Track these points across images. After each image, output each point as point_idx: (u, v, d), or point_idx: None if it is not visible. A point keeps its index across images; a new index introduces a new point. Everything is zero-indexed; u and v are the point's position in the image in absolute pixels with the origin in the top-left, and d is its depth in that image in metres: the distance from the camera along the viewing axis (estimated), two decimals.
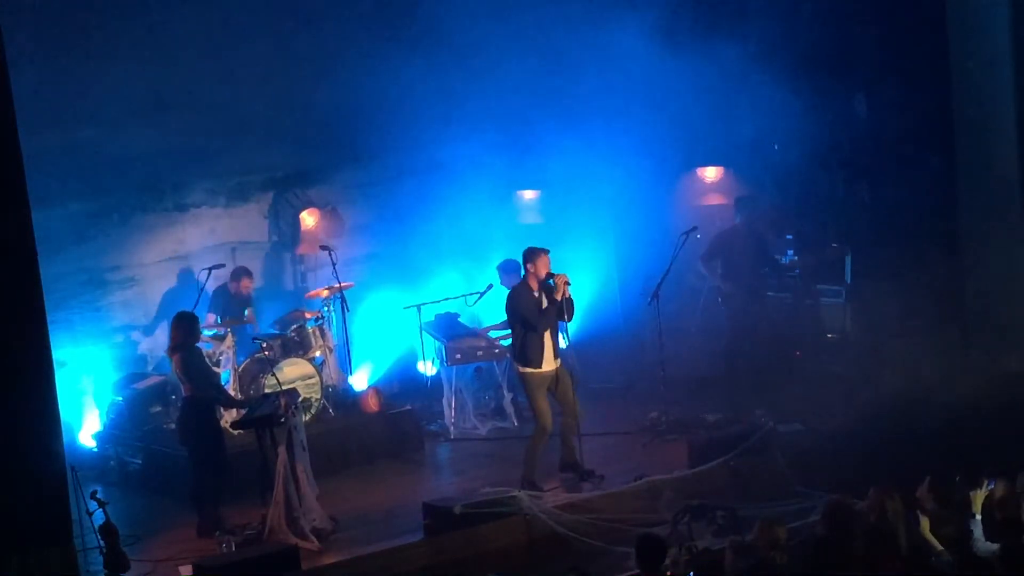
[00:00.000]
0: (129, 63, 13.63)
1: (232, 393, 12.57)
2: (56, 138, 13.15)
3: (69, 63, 13.28)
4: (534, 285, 11.77)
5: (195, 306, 12.80)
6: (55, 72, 13.10)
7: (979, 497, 8.85)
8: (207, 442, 11.41)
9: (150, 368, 14.14)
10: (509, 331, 12.56)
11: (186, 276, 14.42)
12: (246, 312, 13.74)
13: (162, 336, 14.21)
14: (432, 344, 14.24)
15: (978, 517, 8.79)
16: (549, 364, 11.71)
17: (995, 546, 8.43)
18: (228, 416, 12.76)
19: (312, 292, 14.42)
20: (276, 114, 14.52)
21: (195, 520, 11.40)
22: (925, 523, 8.54)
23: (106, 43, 13.54)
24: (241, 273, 13.90)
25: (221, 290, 13.85)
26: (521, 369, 11.84)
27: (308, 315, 13.87)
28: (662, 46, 13.92)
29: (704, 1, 14.57)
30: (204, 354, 12.77)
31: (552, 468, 12.04)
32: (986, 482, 8.98)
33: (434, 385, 14.29)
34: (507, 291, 13.02)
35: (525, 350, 11.77)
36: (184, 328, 11.46)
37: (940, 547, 8.45)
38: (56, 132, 13.16)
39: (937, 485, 9.28)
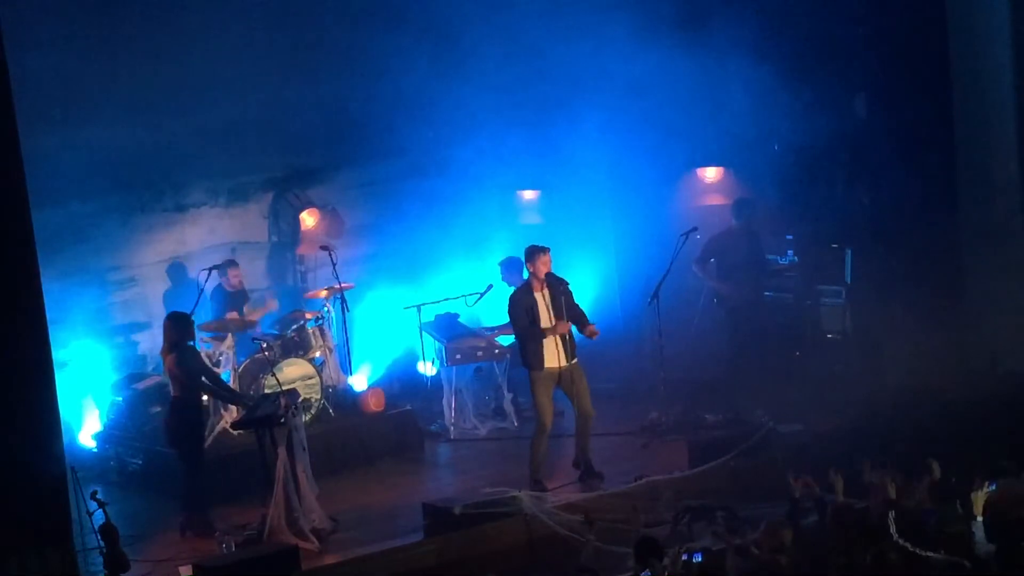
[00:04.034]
0: (129, 63, 13.63)
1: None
2: (56, 138, 13.15)
3: (69, 63, 13.27)
4: (535, 286, 11.78)
5: (195, 306, 12.78)
6: (55, 72, 13.09)
7: (980, 498, 8.85)
8: (190, 443, 11.46)
9: (150, 368, 14.12)
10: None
11: (186, 277, 14.40)
12: (243, 311, 13.76)
13: (161, 336, 14.22)
14: (432, 344, 14.24)
15: (979, 518, 8.79)
16: (553, 362, 11.70)
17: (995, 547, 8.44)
18: (228, 416, 12.78)
19: (311, 292, 14.38)
20: (276, 114, 14.52)
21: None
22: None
23: (106, 43, 13.53)
24: (227, 266, 13.84)
25: (219, 290, 13.84)
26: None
27: (308, 315, 13.86)
28: (662, 46, 13.92)
29: (704, 1, 14.56)
30: (204, 354, 12.82)
31: (556, 468, 12.07)
32: (987, 483, 8.98)
33: (434, 385, 14.29)
34: (507, 287, 13.10)
35: (523, 352, 11.84)
36: (178, 328, 11.51)
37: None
38: (56, 132, 13.16)
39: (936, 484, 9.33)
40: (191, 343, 11.76)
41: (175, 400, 11.51)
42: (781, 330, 14.09)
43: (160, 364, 13.90)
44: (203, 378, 11.68)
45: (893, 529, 8.45)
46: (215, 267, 13.71)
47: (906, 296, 13.47)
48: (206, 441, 12.51)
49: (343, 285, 13.90)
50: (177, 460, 11.61)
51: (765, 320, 13.94)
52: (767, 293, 14.12)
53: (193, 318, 12.04)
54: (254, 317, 13.75)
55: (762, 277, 14.00)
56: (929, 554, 8.34)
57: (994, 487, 9.00)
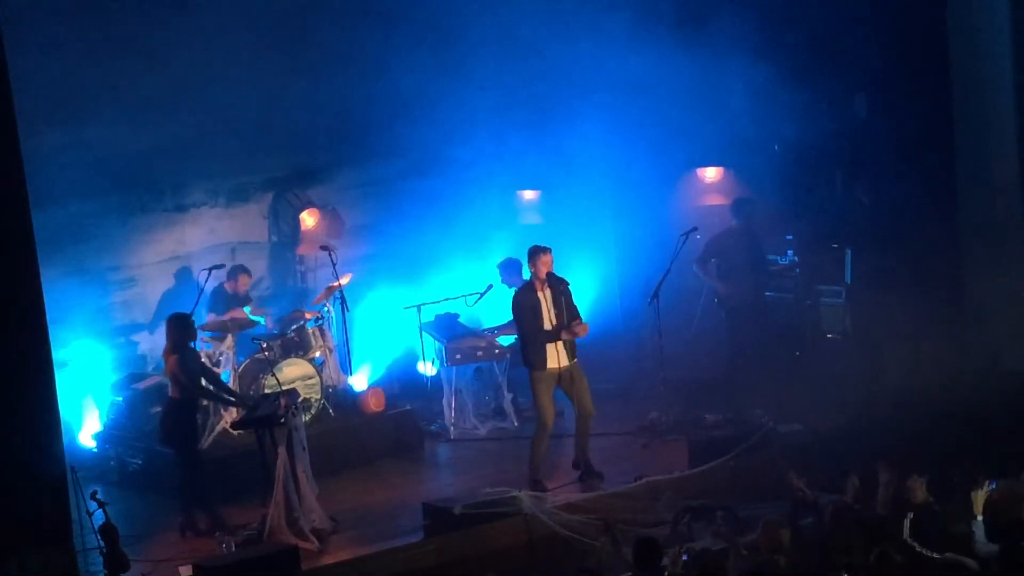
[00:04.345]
0: (129, 63, 13.63)
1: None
2: (56, 138, 13.16)
3: (69, 63, 13.27)
4: (537, 286, 11.79)
5: (195, 306, 12.79)
6: (55, 72, 13.09)
7: (980, 497, 8.86)
8: (187, 443, 11.49)
9: (150, 368, 14.13)
10: (515, 334, 12.63)
11: (186, 276, 14.41)
12: (248, 309, 13.75)
13: (161, 337, 14.20)
14: (432, 344, 14.24)
15: (979, 518, 8.79)
16: (554, 362, 11.71)
17: (995, 547, 8.43)
18: (228, 416, 12.78)
19: (318, 299, 14.31)
20: (276, 114, 14.51)
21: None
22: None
23: (106, 43, 13.53)
24: (238, 271, 13.89)
25: (219, 290, 13.84)
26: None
27: (308, 315, 13.86)
28: (662, 46, 13.92)
29: (704, 1, 14.57)
30: (204, 354, 12.83)
31: (556, 468, 12.08)
32: (987, 482, 8.99)
33: (434, 385, 14.29)
34: (507, 289, 13.11)
35: (525, 352, 11.84)
36: (180, 328, 11.52)
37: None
38: (56, 132, 13.17)
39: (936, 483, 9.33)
40: (192, 344, 11.76)
41: (173, 401, 11.52)
42: (781, 330, 14.10)
43: (160, 364, 13.98)
44: (203, 380, 11.68)
45: (907, 531, 8.46)
46: (215, 267, 13.69)
47: (906, 296, 13.46)
48: (206, 441, 12.55)
49: (341, 279, 13.85)
50: (176, 459, 11.61)
51: (765, 320, 13.94)
52: (767, 293, 14.12)
53: (193, 318, 12.04)
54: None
55: (762, 277, 14.00)
56: (934, 555, 8.35)
57: (994, 487, 9.00)
